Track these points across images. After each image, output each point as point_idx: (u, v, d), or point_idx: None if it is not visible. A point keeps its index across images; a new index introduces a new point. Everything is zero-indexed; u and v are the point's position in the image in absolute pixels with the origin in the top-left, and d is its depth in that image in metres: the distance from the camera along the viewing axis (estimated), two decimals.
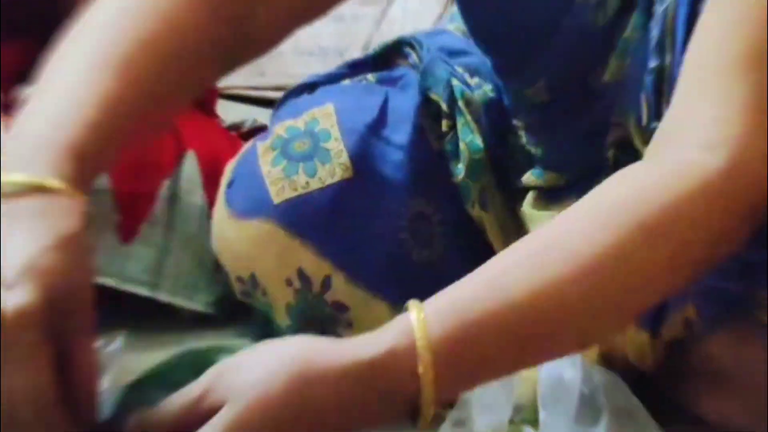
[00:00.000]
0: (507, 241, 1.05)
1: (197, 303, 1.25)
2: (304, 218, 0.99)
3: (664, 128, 0.73)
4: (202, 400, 0.60)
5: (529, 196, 1.03)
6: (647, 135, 0.81)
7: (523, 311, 0.63)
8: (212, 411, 0.60)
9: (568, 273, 0.63)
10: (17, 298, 0.58)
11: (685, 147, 0.69)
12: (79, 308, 0.61)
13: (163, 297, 1.23)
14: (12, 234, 0.61)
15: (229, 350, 0.68)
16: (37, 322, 0.58)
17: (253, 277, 1.03)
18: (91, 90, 0.68)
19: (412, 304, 0.63)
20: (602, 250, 0.64)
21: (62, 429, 0.59)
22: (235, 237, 1.02)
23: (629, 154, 0.89)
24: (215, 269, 1.21)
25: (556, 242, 0.66)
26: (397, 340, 0.61)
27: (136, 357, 1.11)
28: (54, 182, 0.63)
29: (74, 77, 0.69)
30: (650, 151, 0.73)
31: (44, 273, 0.59)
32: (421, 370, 0.60)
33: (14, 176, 0.62)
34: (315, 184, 0.99)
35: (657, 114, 0.83)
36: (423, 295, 1.00)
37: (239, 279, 1.05)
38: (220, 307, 1.26)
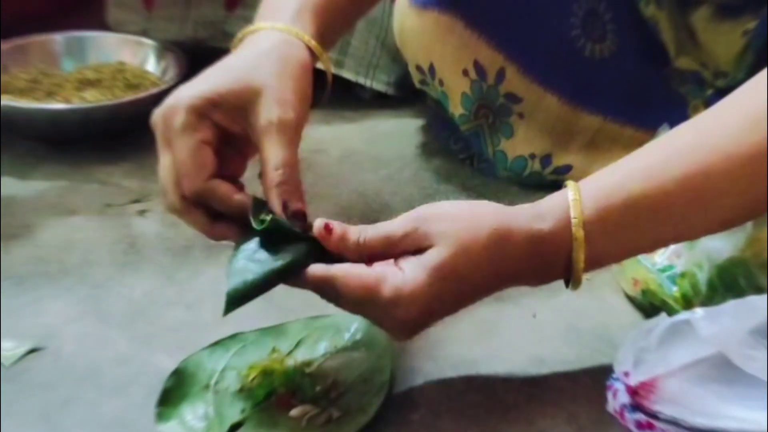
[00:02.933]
0: (679, 45, 1.04)
1: (377, 82, 1.29)
2: (482, 12, 1.00)
3: None
4: (405, 237, 0.68)
5: (704, 9, 1.01)
6: None
7: (671, 198, 0.67)
8: (414, 249, 0.68)
9: (717, 170, 0.66)
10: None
11: None
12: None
13: (347, 75, 1.27)
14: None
15: None
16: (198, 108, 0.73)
17: (431, 66, 1.05)
18: None
19: (570, 185, 0.69)
20: (754, 150, 0.65)
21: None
22: (416, 27, 1.03)
23: None
24: (395, 52, 1.23)
25: (709, 137, 0.67)
26: (559, 217, 0.68)
27: (317, 128, 1.18)
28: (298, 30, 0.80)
29: None
30: None
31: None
32: (574, 246, 0.67)
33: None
34: None
35: None
36: (593, 90, 1.03)
37: (418, 68, 1.07)
38: (398, 88, 1.29)
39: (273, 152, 0.73)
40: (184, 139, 0.73)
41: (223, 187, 0.73)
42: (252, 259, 0.70)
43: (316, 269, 0.68)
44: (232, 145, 0.77)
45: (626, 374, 0.67)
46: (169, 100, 0.75)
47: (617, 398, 0.67)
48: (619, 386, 0.68)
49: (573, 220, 0.67)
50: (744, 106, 0.68)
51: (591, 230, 0.67)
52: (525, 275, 0.70)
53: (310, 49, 0.80)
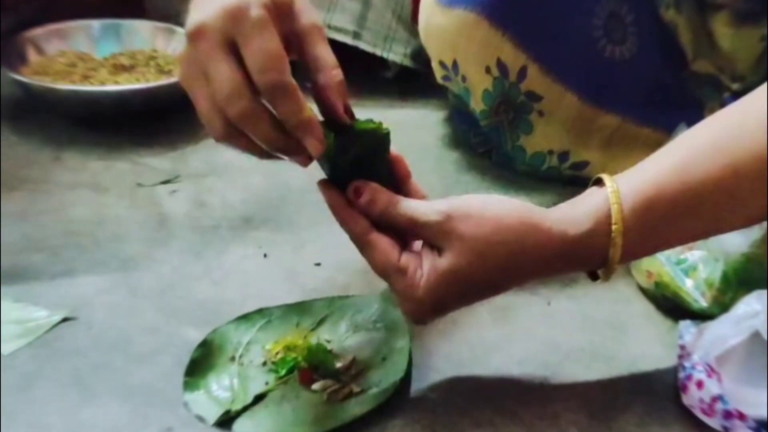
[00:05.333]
0: (697, 48, 1.04)
1: (395, 54, 1.29)
2: (506, 11, 1.00)
3: None
4: (428, 227, 0.67)
5: (723, 14, 1.01)
6: None
7: (703, 196, 0.67)
8: (434, 241, 0.67)
9: (750, 163, 0.66)
10: None
11: None
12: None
13: (364, 46, 1.27)
14: None
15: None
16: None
17: (454, 63, 1.05)
18: None
19: (607, 181, 0.68)
20: None
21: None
22: (441, 24, 1.04)
23: None
24: (412, 25, 1.24)
25: (738, 133, 0.67)
26: (597, 220, 0.67)
27: None
28: None
29: None
30: None
31: None
32: (611, 250, 0.67)
33: None
34: None
35: None
36: (612, 90, 1.03)
37: (442, 64, 1.07)
38: (414, 59, 1.29)
39: (327, 51, 0.68)
40: (263, 34, 0.63)
41: (299, 91, 0.64)
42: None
43: (356, 225, 0.69)
44: None
45: (711, 366, 0.67)
46: (224, 3, 0.64)
47: (704, 389, 0.67)
48: (702, 377, 0.68)
49: (613, 227, 0.66)
50: (763, 102, 0.67)
51: (628, 230, 0.67)
52: (551, 273, 0.69)
53: None
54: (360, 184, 0.69)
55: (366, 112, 1.20)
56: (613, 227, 0.66)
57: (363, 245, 0.69)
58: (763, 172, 0.66)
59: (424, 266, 0.67)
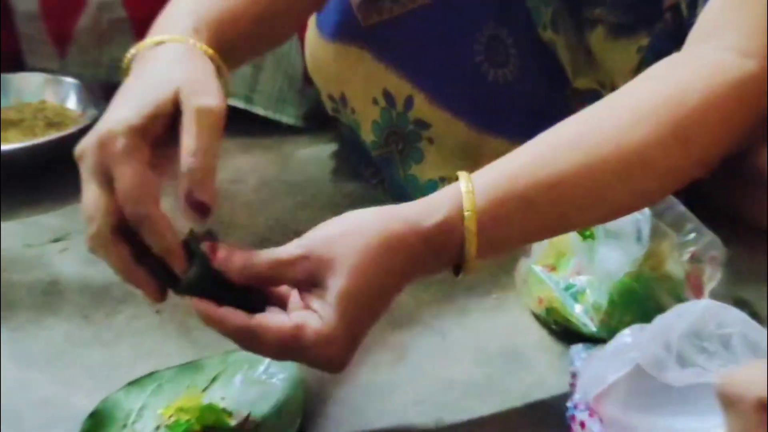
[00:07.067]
0: (577, 66, 1.04)
1: (287, 116, 1.28)
2: (388, 42, 0.99)
3: (703, 25, 0.73)
4: (296, 265, 0.65)
5: (599, 29, 1.01)
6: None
7: (562, 187, 0.66)
8: (310, 279, 0.65)
9: (608, 160, 0.66)
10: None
11: (725, 49, 0.69)
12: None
13: (257, 110, 1.26)
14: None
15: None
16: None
17: (342, 95, 1.04)
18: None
19: (462, 176, 0.67)
20: (641, 143, 0.66)
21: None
22: (326, 58, 1.02)
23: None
24: (303, 86, 1.23)
25: (599, 129, 0.67)
26: (450, 209, 0.65)
27: (235, 156, 1.16)
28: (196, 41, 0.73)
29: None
30: (690, 44, 0.73)
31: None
32: (466, 237, 0.65)
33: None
34: (398, 9, 0.99)
35: None
36: (497, 114, 1.02)
37: (330, 97, 1.05)
38: (307, 120, 1.28)
39: (189, 138, 0.67)
40: (129, 162, 0.65)
41: (165, 220, 0.66)
42: None
43: (236, 318, 0.64)
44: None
45: (589, 405, 0.66)
46: (100, 129, 0.67)
47: (586, 429, 0.67)
48: (584, 417, 0.67)
49: (466, 213, 0.65)
50: (634, 99, 0.68)
51: (482, 220, 0.65)
52: (423, 269, 0.67)
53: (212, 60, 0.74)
54: (212, 243, 0.66)
55: (260, 150, 1.20)
56: (466, 214, 0.65)
57: (250, 335, 0.64)
58: (619, 168, 0.66)
59: (316, 306, 0.64)
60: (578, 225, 0.72)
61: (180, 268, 0.66)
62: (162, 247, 0.66)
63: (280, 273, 0.65)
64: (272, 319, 0.65)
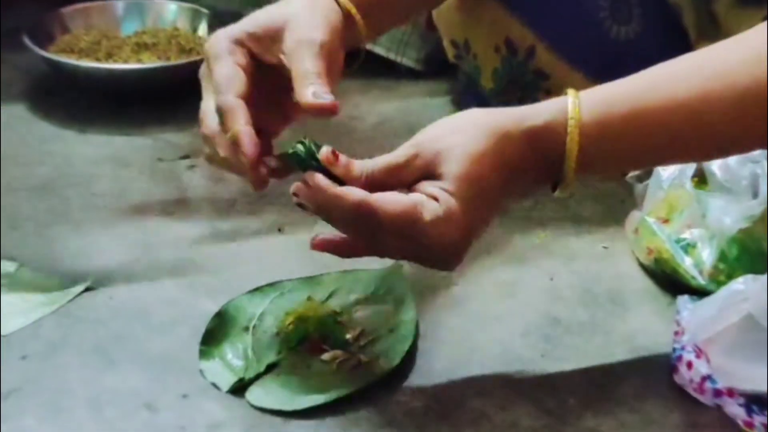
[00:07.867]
0: (700, 31, 1.03)
1: (407, 58, 1.29)
2: None
3: None
4: (409, 164, 0.66)
5: None
6: None
7: (669, 116, 0.65)
8: (425, 174, 0.65)
9: (718, 94, 0.64)
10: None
11: None
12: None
13: (379, 51, 1.27)
14: None
15: None
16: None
17: (466, 41, 1.05)
18: None
19: (570, 91, 0.67)
20: (754, 82, 0.64)
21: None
22: (452, 4, 1.03)
23: None
24: (426, 30, 1.24)
25: (713, 65, 0.65)
26: (554, 116, 0.65)
27: (353, 96, 1.18)
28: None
29: None
30: None
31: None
32: (567, 143, 0.65)
33: None
34: None
35: None
36: (617, 70, 1.01)
37: (453, 43, 1.07)
38: (426, 65, 1.29)
39: (300, 64, 0.71)
40: (220, 61, 0.73)
41: (243, 110, 0.70)
42: None
43: (355, 193, 0.64)
44: (272, 101, 0.76)
45: (698, 346, 0.67)
46: (212, 36, 0.77)
47: (694, 369, 0.68)
48: (691, 358, 0.68)
49: (570, 120, 0.65)
50: (749, 42, 0.66)
51: (586, 133, 0.65)
52: (525, 175, 0.67)
53: (345, 15, 0.77)
54: (334, 149, 0.67)
55: (378, 91, 1.23)
56: (570, 121, 0.64)
57: (369, 212, 0.63)
58: (733, 101, 0.64)
59: (433, 190, 0.64)
60: (681, 157, 0.71)
61: (249, 152, 0.69)
62: (234, 132, 0.70)
63: (395, 176, 0.66)
64: (391, 196, 0.64)
